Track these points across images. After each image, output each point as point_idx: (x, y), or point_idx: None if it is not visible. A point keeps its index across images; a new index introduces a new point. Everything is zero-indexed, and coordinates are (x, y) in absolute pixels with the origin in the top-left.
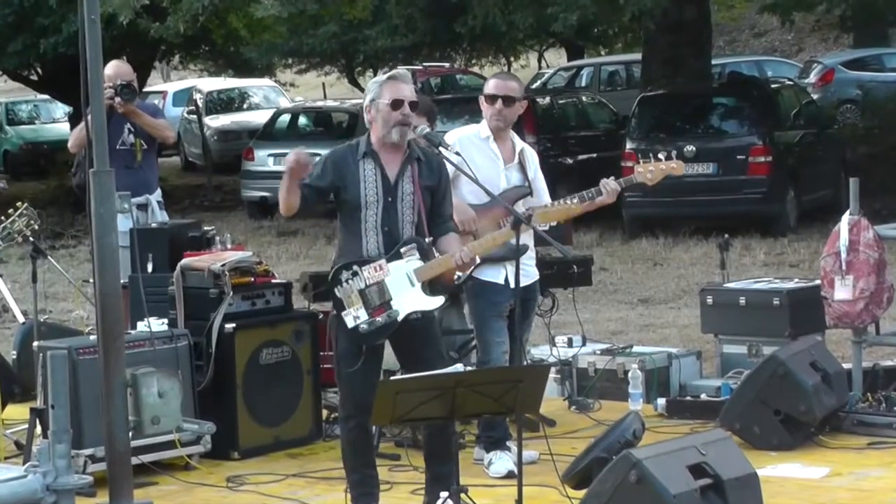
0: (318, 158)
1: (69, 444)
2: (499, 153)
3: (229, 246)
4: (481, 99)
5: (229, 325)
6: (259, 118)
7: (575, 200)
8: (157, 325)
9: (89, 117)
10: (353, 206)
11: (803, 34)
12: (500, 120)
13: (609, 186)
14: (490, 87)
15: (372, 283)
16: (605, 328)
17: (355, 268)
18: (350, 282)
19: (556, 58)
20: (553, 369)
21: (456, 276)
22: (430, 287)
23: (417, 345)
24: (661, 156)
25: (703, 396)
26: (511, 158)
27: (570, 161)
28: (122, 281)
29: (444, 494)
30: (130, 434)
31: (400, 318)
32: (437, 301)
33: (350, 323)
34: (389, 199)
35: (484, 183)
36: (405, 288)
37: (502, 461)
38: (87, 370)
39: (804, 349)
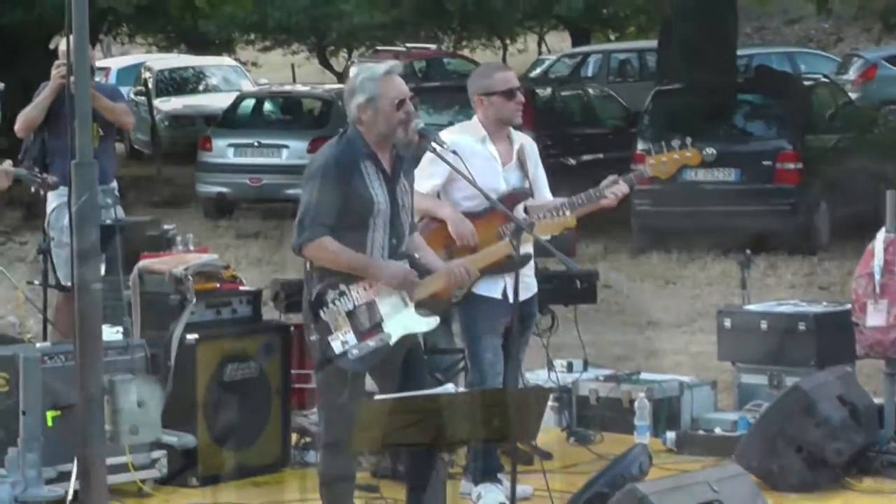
0: (315, 168)
1: (40, 454)
2: (496, 154)
3: (192, 247)
4: (483, 98)
5: (191, 336)
6: (217, 102)
7: (568, 213)
8: (111, 333)
9: (43, 93)
10: (363, 216)
11: (843, 22)
12: (520, 114)
13: (618, 191)
14: (503, 81)
15: (361, 304)
16: (608, 353)
17: (342, 287)
18: (337, 302)
19: (559, 42)
20: (550, 396)
21: (454, 295)
22: (423, 306)
23: (399, 366)
24: (674, 143)
25: (718, 431)
26: (509, 158)
27: (572, 162)
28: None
29: None
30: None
31: (392, 341)
32: (432, 322)
33: (338, 348)
34: (395, 205)
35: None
36: (397, 308)
37: (492, 494)
38: None
39: (831, 380)
